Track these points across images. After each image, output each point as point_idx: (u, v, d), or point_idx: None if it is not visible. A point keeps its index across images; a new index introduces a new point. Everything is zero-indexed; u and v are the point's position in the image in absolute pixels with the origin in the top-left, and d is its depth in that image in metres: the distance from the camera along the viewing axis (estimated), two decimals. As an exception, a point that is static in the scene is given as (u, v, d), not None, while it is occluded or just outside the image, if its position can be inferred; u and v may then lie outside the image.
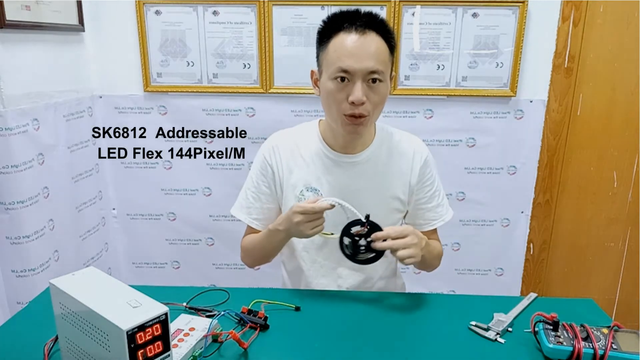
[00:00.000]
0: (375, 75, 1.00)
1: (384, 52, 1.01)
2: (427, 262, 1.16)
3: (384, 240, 0.99)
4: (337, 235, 1.04)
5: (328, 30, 1.03)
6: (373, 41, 1.00)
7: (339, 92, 1.02)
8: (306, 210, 0.99)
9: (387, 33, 1.02)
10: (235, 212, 1.21)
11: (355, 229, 1.01)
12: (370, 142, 1.15)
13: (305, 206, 0.99)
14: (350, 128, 1.05)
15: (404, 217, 1.22)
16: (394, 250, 0.98)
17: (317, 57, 1.08)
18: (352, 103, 1.00)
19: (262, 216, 1.19)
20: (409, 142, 1.18)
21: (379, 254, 1.01)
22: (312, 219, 1.00)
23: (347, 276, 1.19)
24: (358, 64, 0.98)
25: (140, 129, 1.96)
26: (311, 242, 1.17)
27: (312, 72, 1.11)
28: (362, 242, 1.01)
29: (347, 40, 1.00)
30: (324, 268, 1.19)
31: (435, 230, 1.21)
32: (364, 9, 1.04)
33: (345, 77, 1.00)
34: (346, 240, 1.03)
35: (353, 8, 1.03)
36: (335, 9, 1.78)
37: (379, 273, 1.21)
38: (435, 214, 1.19)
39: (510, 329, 0.93)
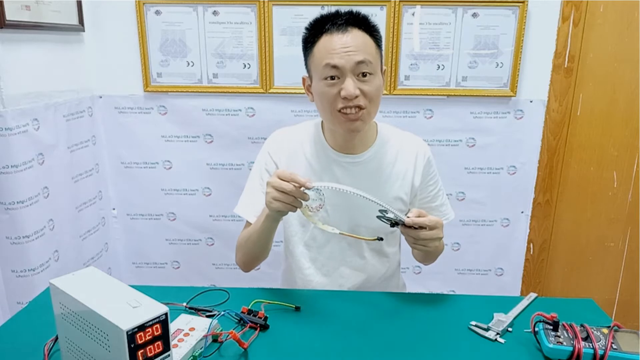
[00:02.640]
0: (365, 68, 1.00)
1: (370, 45, 1.02)
2: (429, 257, 1.17)
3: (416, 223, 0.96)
4: (337, 231, 1.01)
5: (312, 36, 1.04)
6: (357, 36, 1.01)
7: (331, 89, 1.02)
8: (283, 175, 0.94)
9: (370, 28, 1.03)
10: (240, 210, 1.18)
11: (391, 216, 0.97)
12: (372, 143, 1.15)
13: (285, 173, 0.94)
14: (348, 124, 1.04)
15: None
16: (414, 235, 0.96)
17: (306, 64, 1.09)
18: (345, 98, 1.00)
19: None
20: (411, 142, 1.18)
21: (395, 225, 0.98)
22: (285, 191, 0.94)
23: (348, 276, 1.19)
24: (345, 59, 0.99)
25: (140, 129, 1.96)
26: (313, 240, 1.17)
27: (304, 79, 1.12)
28: (390, 215, 0.97)
29: (331, 40, 1.00)
30: (325, 267, 1.19)
31: None
32: (345, 9, 1.05)
33: (334, 75, 1.00)
34: (392, 214, 0.98)
35: (334, 9, 1.04)
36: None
37: (381, 273, 1.21)
38: (439, 213, 1.19)
39: (510, 329, 0.93)
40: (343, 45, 0.99)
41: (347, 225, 1.15)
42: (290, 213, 1.17)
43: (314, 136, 1.17)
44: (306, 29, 1.06)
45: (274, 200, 0.95)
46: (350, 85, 0.99)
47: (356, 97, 1.00)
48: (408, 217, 0.96)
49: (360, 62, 0.99)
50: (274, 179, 0.95)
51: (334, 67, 1.00)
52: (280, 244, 1.30)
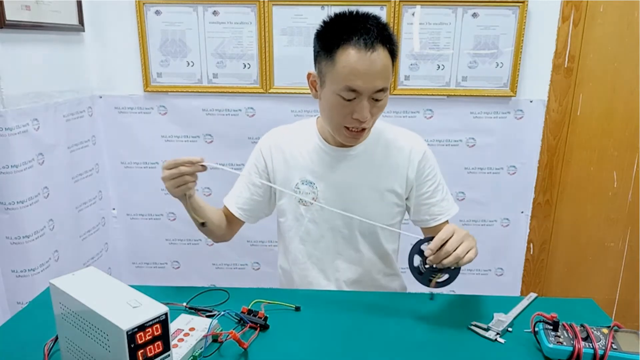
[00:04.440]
0: (381, 94, 1.00)
1: (389, 67, 1.00)
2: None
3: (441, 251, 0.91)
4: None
5: (334, 38, 0.98)
6: (380, 57, 0.97)
7: (344, 108, 1.02)
8: (168, 163, 0.98)
9: (392, 45, 1.00)
10: (226, 200, 1.23)
11: (424, 247, 0.92)
12: (366, 136, 1.15)
13: (168, 160, 0.99)
14: (350, 140, 1.08)
15: (409, 213, 1.22)
16: (459, 256, 0.90)
17: (318, 61, 1.04)
18: (356, 119, 1.02)
19: (248, 207, 1.20)
20: (406, 137, 1.19)
21: (453, 272, 0.94)
22: (175, 175, 0.99)
23: (344, 270, 1.19)
24: (367, 84, 0.97)
25: (140, 129, 1.96)
26: (308, 234, 1.18)
27: (310, 74, 1.09)
28: (428, 264, 0.94)
29: (357, 59, 0.96)
30: (321, 262, 1.19)
31: (447, 223, 1.20)
32: (363, 9, 1.01)
33: (352, 97, 1.00)
34: (417, 261, 0.95)
35: (358, 12, 1.00)
36: (335, 9, 1.78)
37: (377, 267, 1.21)
38: (440, 208, 1.19)
39: (510, 329, 0.93)
40: (368, 68, 0.96)
41: (341, 219, 1.15)
42: (285, 209, 1.18)
43: (308, 131, 1.18)
44: (326, 24, 1.01)
45: (178, 185, 1.00)
46: (365, 111, 1.00)
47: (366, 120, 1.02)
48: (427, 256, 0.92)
49: (379, 90, 0.99)
50: (163, 171, 0.99)
51: (354, 90, 0.98)
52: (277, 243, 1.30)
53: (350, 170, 1.14)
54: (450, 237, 0.91)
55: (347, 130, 1.05)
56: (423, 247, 0.94)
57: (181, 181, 1.00)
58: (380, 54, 0.97)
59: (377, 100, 1.01)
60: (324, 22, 1.02)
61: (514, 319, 0.96)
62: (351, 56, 0.96)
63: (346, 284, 1.20)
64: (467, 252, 0.91)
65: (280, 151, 1.18)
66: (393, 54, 1.01)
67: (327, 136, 1.15)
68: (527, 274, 2.10)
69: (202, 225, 1.11)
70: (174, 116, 1.95)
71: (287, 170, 1.17)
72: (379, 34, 0.97)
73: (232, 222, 1.23)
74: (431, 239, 0.93)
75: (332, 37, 0.99)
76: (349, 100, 1.00)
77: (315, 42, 1.04)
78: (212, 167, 1.01)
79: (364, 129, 1.05)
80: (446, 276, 0.95)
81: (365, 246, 1.19)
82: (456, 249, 0.90)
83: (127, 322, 0.67)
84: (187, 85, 1.90)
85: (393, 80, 1.86)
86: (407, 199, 1.19)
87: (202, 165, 1.00)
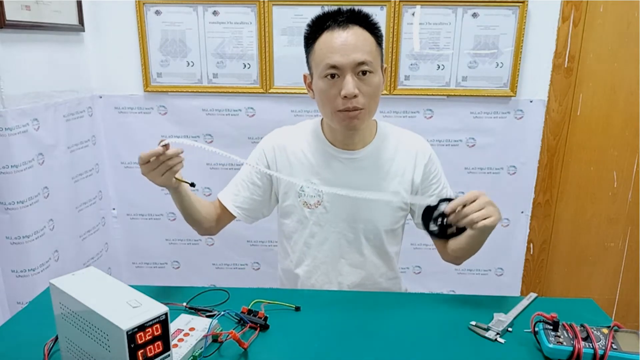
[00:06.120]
0: (365, 67, 1.01)
1: (370, 43, 1.02)
2: (483, 237, 1.12)
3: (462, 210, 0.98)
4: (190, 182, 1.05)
5: (313, 33, 1.05)
6: (357, 34, 1.01)
7: (331, 89, 1.02)
8: (141, 159, 0.97)
9: (371, 25, 1.04)
10: (222, 196, 1.20)
11: (442, 207, 1.01)
12: (372, 139, 1.15)
13: (140, 155, 0.97)
14: (347, 123, 1.05)
15: (412, 216, 1.22)
16: (473, 220, 0.96)
17: (307, 59, 1.09)
18: (345, 97, 1.01)
19: (247, 206, 1.19)
20: (412, 140, 1.18)
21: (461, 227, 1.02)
22: (154, 167, 0.97)
23: (347, 273, 1.19)
24: (345, 57, 0.99)
25: (140, 129, 1.96)
26: (312, 237, 1.17)
27: (305, 76, 1.12)
28: (446, 220, 1.01)
29: (332, 37, 1.01)
30: (324, 265, 1.19)
31: None
32: (346, 8, 1.05)
33: (334, 73, 1.01)
34: (432, 226, 1.03)
35: (336, 7, 1.05)
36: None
37: (380, 270, 1.21)
38: None
39: (510, 329, 0.93)
40: (343, 42, 1.00)
41: (346, 221, 1.15)
42: (289, 211, 1.17)
43: (313, 133, 1.17)
44: (308, 26, 1.07)
45: (157, 176, 0.98)
46: (349, 84, 1.00)
47: (355, 96, 1.01)
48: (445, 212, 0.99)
49: (360, 63, 1.00)
50: (141, 167, 0.99)
51: (334, 66, 1.00)
52: (277, 244, 1.30)
53: (355, 173, 1.13)
54: (472, 201, 0.97)
55: (341, 112, 1.03)
56: (443, 206, 1.01)
57: (164, 168, 0.97)
58: (356, 31, 1.01)
59: (362, 74, 1.01)
60: (307, 24, 1.07)
61: (514, 319, 0.96)
62: (326, 37, 1.02)
63: (349, 287, 1.20)
64: (485, 219, 0.96)
65: (284, 152, 1.17)
66: (374, 34, 1.04)
67: (331, 137, 1.14)
68: (527, 274, 2.10)
69: (191, 185, 1.06)
70: (174, 116, 1.95)
71: (291, 173, 1.16)
72: (352, 16, 1.02)
73: (222, 218, 1.20)
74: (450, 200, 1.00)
75: (311, 32, 1.05)
76: (333, 79, 1.01)
77: (304, 43, 1.09)
78: (177, 143, 0.98)
79: (357, 109, 1.02)
80: (454, 229, 1.03)
81: (369, 249, 1.18)
82: (475, 212, 0.96)
83: (127, 322, 0.67)
84: (187, 85, 1.90)
85: (393, 80, 1.86)
86: (411, 202, 1.19)
87: (168, 146, 0.98)
